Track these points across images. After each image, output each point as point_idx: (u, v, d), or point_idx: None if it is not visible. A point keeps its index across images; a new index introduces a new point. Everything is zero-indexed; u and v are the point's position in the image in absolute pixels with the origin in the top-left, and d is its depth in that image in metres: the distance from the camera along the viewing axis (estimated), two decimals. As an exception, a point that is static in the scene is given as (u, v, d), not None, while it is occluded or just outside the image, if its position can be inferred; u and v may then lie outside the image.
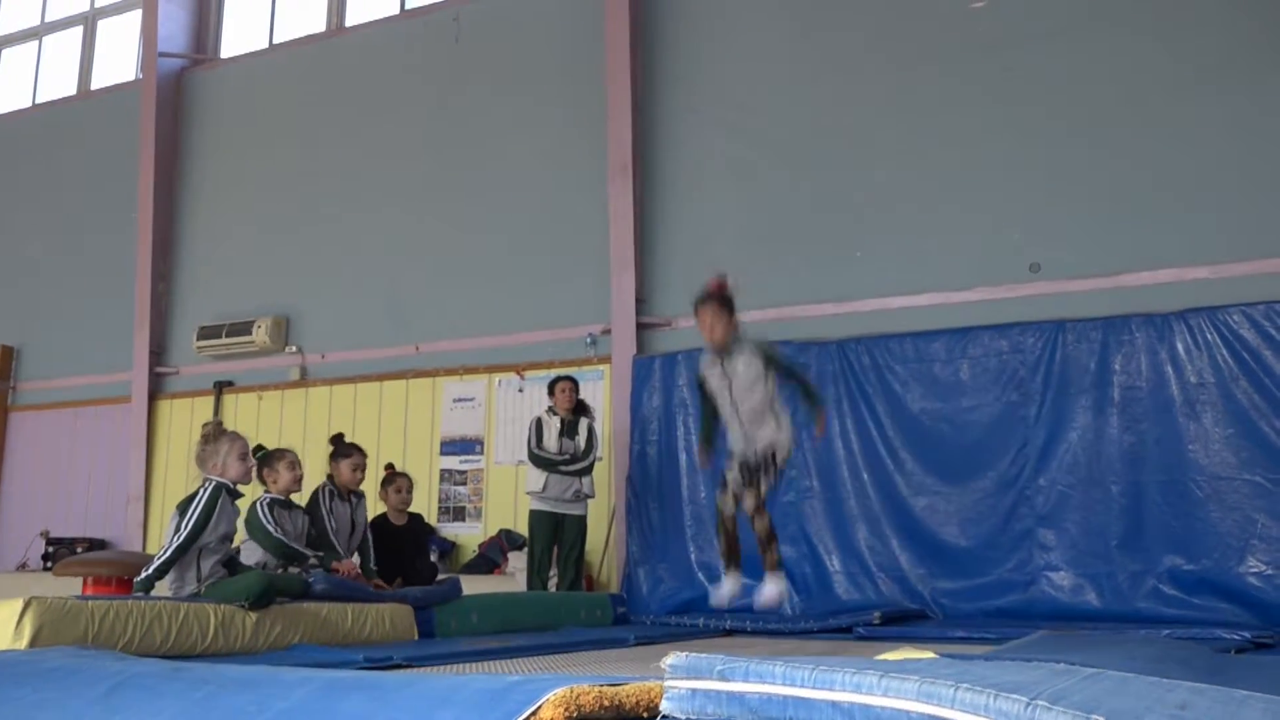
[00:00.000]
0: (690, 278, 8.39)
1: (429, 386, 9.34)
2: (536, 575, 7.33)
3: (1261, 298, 6.52)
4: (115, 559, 7.51)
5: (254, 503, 5.34)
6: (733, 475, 4.41)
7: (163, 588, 4.71)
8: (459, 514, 9.03)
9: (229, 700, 2.00)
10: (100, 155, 11.75)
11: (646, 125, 8.78)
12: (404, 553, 6.36)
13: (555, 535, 7.36)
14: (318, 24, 10.97)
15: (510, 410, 8.89)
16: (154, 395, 10.75)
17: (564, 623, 6.20)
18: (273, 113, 10.89)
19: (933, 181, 7.76)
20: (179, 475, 9.65)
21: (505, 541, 8.51)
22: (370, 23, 10.59)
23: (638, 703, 1.73)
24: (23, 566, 10.69)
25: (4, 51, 13.40)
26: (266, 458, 5.43)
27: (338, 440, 6.14)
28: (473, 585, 6.56)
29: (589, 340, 8.65)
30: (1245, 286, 6.64)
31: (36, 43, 13.11)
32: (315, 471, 6.00)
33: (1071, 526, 6.71)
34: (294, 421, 9.84)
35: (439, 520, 8.96)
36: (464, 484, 9.06)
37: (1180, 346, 6.64)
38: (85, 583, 6.64)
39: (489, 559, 8.47)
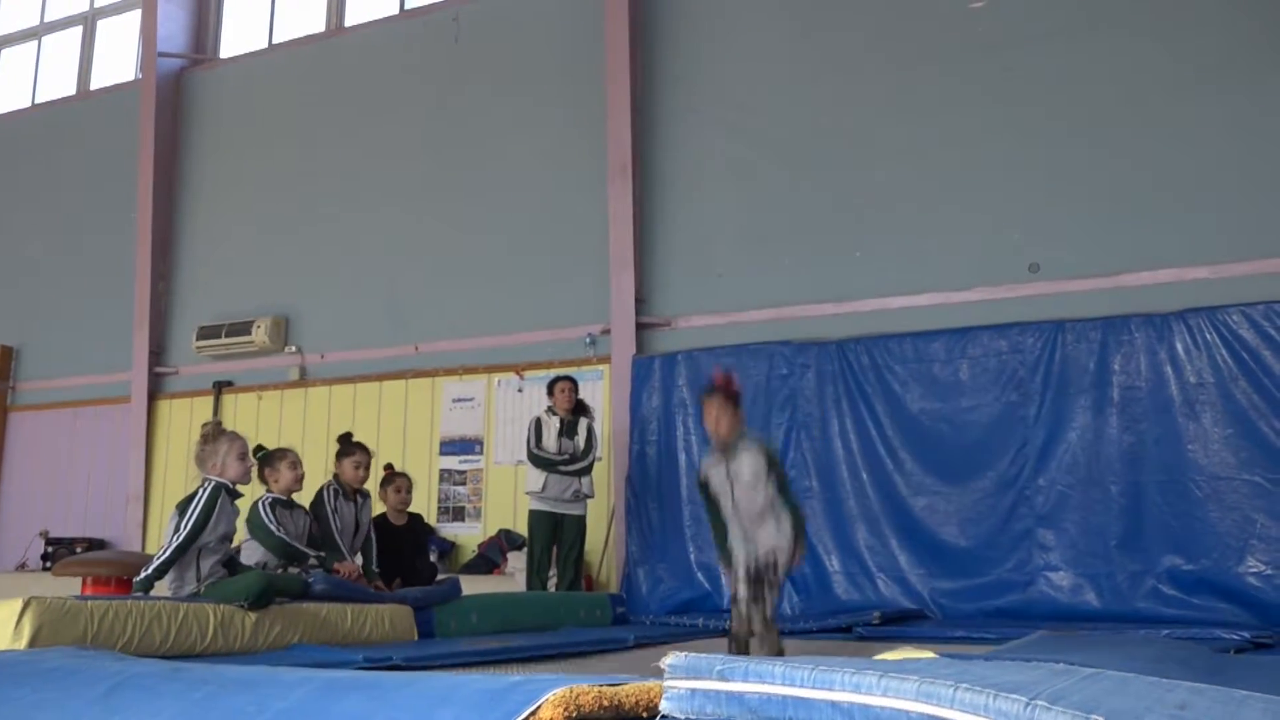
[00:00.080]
0: (690, 278, 8.44)
1: (428, 386, 9.34)
2: (536, 575, 7.33)
3: (1261, 298, 6.52)
4: (114, 559, 7.51)
5: (255, 502, 5.34)
6: (743, 592, 4.34)
7: (162, 588, 4.71)
8: (458, 514, 9.03)
9: (228, 700, 2.00)
10: (100, 155, 11.75)
11: (646, 125, 8.78)
12: (403, 553, 6.36)
13: (555, 535, 7.35)
14: (317, 24, 10.97)
15: (510, 410, 8.89)
16: (153, 395, 10.75)
17: (563, 623, 6.20)
18: (272, 113, 10.89)
19: (933, 181, 7.76)
20: (178, 475, 9.66)
21: (505, 541, 8.51)
22: (370, 23, 10.59)
23: (637, 703, 1.73)
24: (22, 566, 10.69)
25: (3, 51, 13.40)
26: (267, 457, 5.43)
27: (343, 439, 6.15)
28: (472, 585, 6.56)
29: (588, 340, 8.65)
30: (1245, 286, 6.64)
31: (36, 43, 13.12)
32: (315, 471, 6.01)
33: (1071, 526, 6.71)
34: (293, 421, 9.84)
35: (438, 520, 8.96)
36: (463, 484, 9.06)
37: (1180, 346, 6.64)
38: (84, 583, 6.64)
39: (488, 559, 8.47)
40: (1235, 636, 5.53)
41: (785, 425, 7.66)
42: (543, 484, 7.30)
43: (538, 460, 7.32)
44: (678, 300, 8.48)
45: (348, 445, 6.08)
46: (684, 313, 8.43)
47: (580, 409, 7.56)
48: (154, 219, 10.86)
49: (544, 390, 7.71)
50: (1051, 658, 3.19)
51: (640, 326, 8.43)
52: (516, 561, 8.11)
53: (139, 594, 4.57)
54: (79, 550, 9.77)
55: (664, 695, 1.65)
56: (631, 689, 1.75)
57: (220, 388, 10.41)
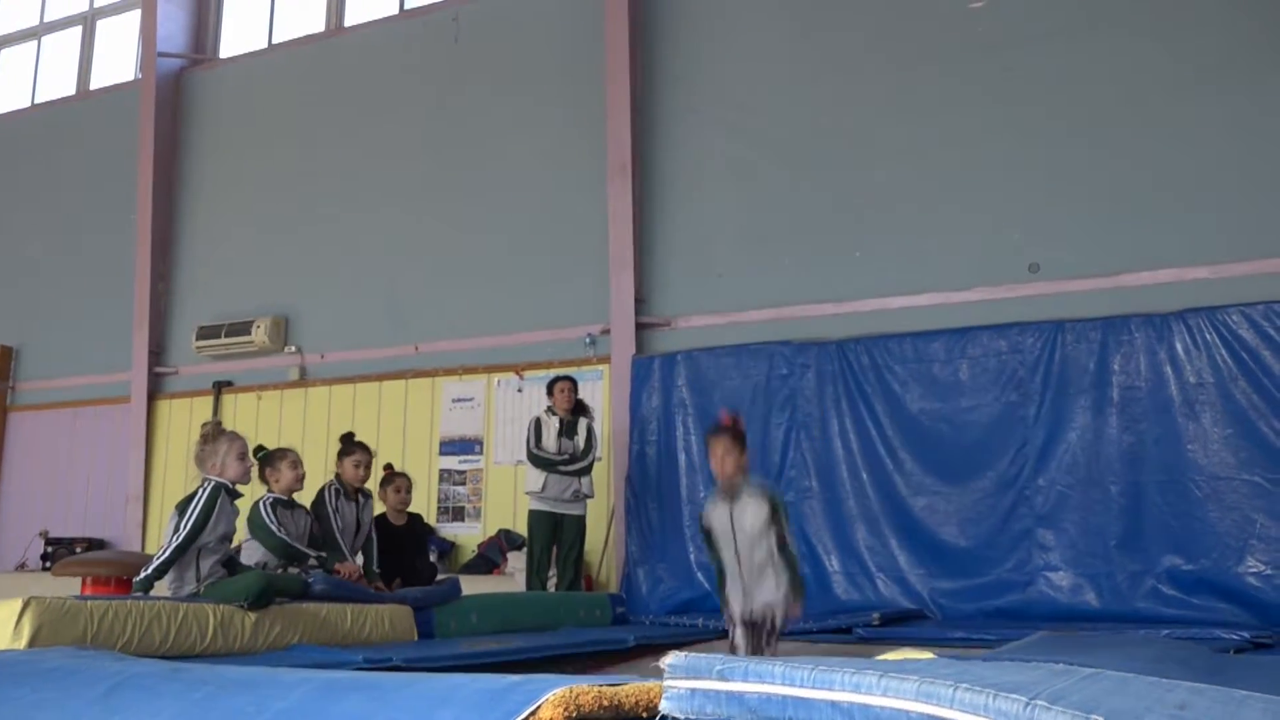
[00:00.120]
0: (690, 277, 8.44)
1: (428, 386, 9.34)
2: (536, 575, 7.33)
3: (1261, 298, 6.52)
4: (114, 559, 7.51)
5: (257, 502, 5.34)
6: (740, 640, 4.34)
7: (162, 588, 4.70)
8: (458, 514, 9.03)
9: (228, 700, 2.00)
10: (99, 155, 11.75)
11: (646, 125, 8.78)
12: (403, 553, 6.35)
13: (554, 535, 7.35)
14: (317, 24, 10.97)
15: (509, 410, 8.89)
16: (153, 395, 10.74)
17: (563, 623, 6.20)
18: (272, 113, 10.89)
19: (933, 181, 7.76)
20: (178, 475, 9.65)
21: (504, 541, 8.51)
22: (369, 23, 10.58)
23: (637, 703, 1.73)
24: (22, 566, 10.69)
25: (3, 51, 13.40)
26: (268, 457, 5.43)
27: (345, 438, 6.15)
28: (472, 585, 6.56)
29: (588, 340, 8.64)
30: (1244, 286, 6.64)
31: (35, 43, 13.11)
32: (315, 471, 6.01)
33: (1070, 526, 6.71)
34: (293, 421, 9.84)
35: (438, 520, 8.96)
36: (463, 484, 9.06)
37: (1179, 346, 6.64)
38: (84, 583, 6.64)
39: (488, 559, 8.47)
40: (1235, 636, 5.54)
41: (785, 425, 7.66)
42: (542, 484, 7.30)
43: (537, 460, 7.32)
44: (677, 300, 8.48)
45: (349, 445, 6.09)
46: (684, 313, 8.43)
47: (580, 409, 7.56)
48: (154, 219, 10.86)
49: (544, 390, 7.71)
50: (1051, 658, 3.19)
51: (640, 326, 8.43)
52: (516, 561, 8.11)
53: (139, 594, 4.57)
54: (79, 550, 9.76)
55: (664, 695, 1.65)
56: (631, 689, 1.75)
57: (220, 388, 10.41)
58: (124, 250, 11.06)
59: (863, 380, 7.49)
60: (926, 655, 2.60)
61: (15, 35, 13.28)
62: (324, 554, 5.49)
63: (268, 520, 5.24)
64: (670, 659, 1.67)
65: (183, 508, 4.70)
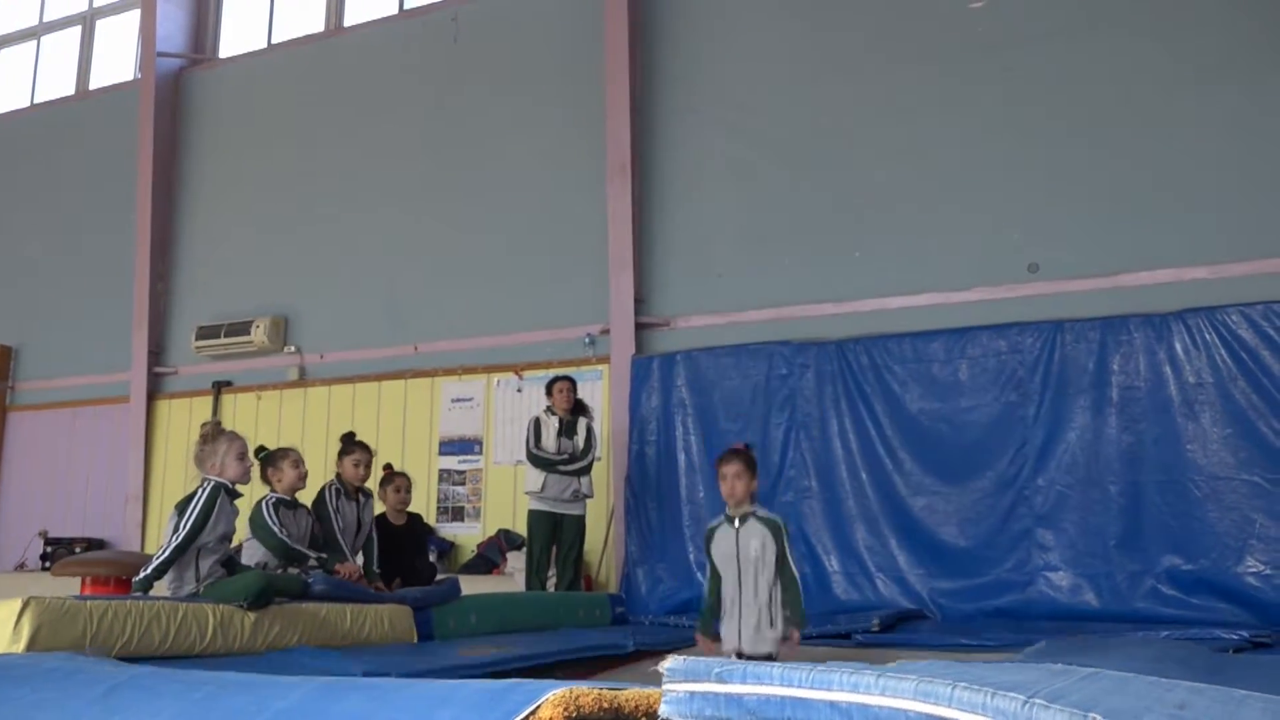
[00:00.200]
0: (689, 277, 8.44)
1: (427, 386, 9.34)
2: (535, 575, 7.33)
3: (1260, 298, 6.52)
4: (114, 559, 7.51)
5: (259, 502, 5.34)
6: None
7: (161, 588, 4.70)
8: (458, 514, 9.03)
9: (228, 700, 2.00)
10: (99, 155, 11.75)
11: (645, 125, 8.78)
12: (403, 553, 6.35)
13: (554, 535, 7.35)
14: (316, 24, 10.97)
15: (509, 410, 8.89)
16: (152, 395, 10.74)
17: (563, 623, 6.19)
18: (271, 113, 10.88)
19: (933, 181, 7.76)
20: (177, 475, 9.65)
21: (504, 541, 8.51)
22: (369, 23, 10.59)
23: (636, 705, 1.73)
24: (21, 566, 10.69)
25: (2, 51, 13.40)
26: (270, 457, 5.43)
27: (345, 438, 6.16)
28: (471, 585, 6.55)
29: (587, 340, 8.65)
30: (1244, 286, 6.65)
31: (35, 43, 13.11)
32: (314, 471, 6.00)
33: (1070, 526, 6.71)
34: (292, 421, 9.84)
35: (438, 520, 8.96)
36: (463, 484, 9.06)
37: (1179, 346, 6.65)
38: (83, 583, 6.63)
39: (488, 559, 8.47)
40: (1234, 636, 5.54)
41: (784, 425, 7.66)
42: (542, 484, 7.30)
43: (537, 460, 7.32)
44: (677, 300, 8.48)
45: (349, 444, 6.09)
46: (683, 313, 8.43)
47: (579, 409, 7.56)
48: (153, 219, 10.86)
49: (543, 390, 7.71)
50: (1050, 658, 3.19)
51: (639, 326, 8.43)
52: (516, 561, 8.11)
53: (138, 594, 4.56)
54: (78, 550, 9.76)
55: (663, 698, 1.65)
56: (631, 692, 1.75)
57: (219, 388, 10.41)
58: (124, 250, 11.06)
59: (862, 380, 7.49)
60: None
61: (14, 35, 13.27)
62: (324, 554, 5.49)
63: (269, 521, 5.24)
64: (669, 662, 1.67)
65: (182, 508, 4.69)
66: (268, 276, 10.40)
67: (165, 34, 11.35)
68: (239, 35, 11.57)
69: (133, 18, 12.19)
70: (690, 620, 6.81)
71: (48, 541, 10.47)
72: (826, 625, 6.44)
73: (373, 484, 6.40)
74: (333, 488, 5.90)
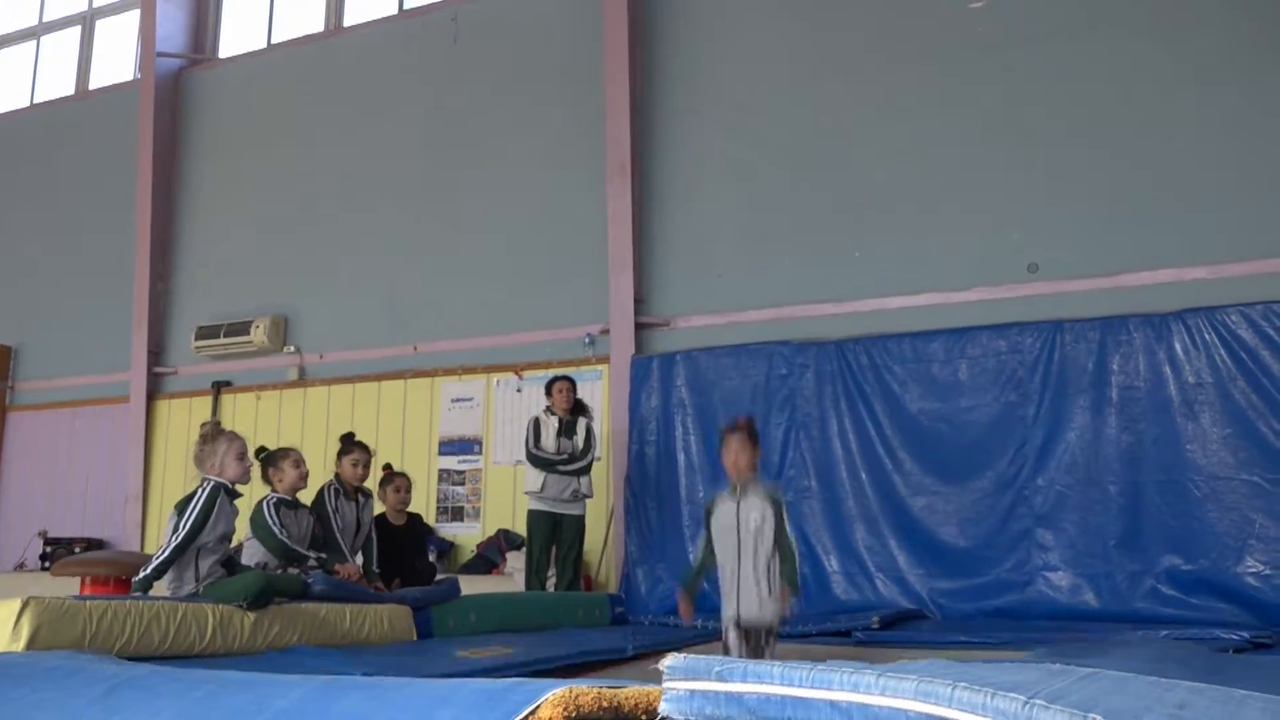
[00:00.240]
0: (689, 277, 8.44)
1: (427, 386, 9.34)
2: (535, 575, 7.32)
3: (1260, 298, 6.52)
4: (113, 559, 7.50)
5: (260, 502, 5.34)
6: (734, 647, 4.38)
7: (161, 588, 4.70)
8: (457, 514, 9.03)
9: (228, 700, 2.00)
10: (98, 155, 11.75)
11: (645, 125, 8.78)
12: (403, 553, 6.36)
13: (553, 535, 7.35)
14: (316, 24, 10.97)
15: (508, 410, 8.89)
16: (152, 395, 10.74)
17: (562, 623, 6.19)
18: (271, 113, 10.88)
19: (933, 181, 7.76)
20: (177, 475, 9.66)
21: (503, 541, 8.51)
22: (368, 23, 10.58)
23: (636, 704, 1.73)
24: (20, 566, 10.68)
25: (2, 51, 13.39)
26: (271, 457, 5.44)
27: (344, 438, 6.16)
28: (471, 585, 6.55)
29: (587, 340, 8.64)
30: (1243, 287, 6.65)
31: (34, 43, 13.11)
32: (314, 471, 5.99)
33: (1070, 526, 6.71)
34: (292, 421, 9.83)
35: (437, 520, 8.96)
36: (462, 484, 9.06)
37: (1178, 346, 6.64)
38: (83, 582, 6.63)
39: (487, 559, 8.47)
40: (1234, 636, 5.54)
41: (784, 425, 7.66)
42: (541, 484, 7.30)
43: (536, 460, 7.32)
44: (677, 300, 8.48)
45: (347, 444, 6.10)
46: (683, 313, 8.43)
47: (579, 409, 7.56)
48: (153, 219, 10.86)
49: (542, 390, 7.70)
50: (1049, 658, 3.19)
51: (639, 326, 8.43)
52: (515, 561, 8.11)
53: (137, 594, 4.56)
54: (77, 550, 9.76)
55: (663, 696, 1.65)
56: (631, 691, 1.75)
57: (219, 388, 10.41)
58: (123, 250, 11.06)
59: (862, 380, 7.49)
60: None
61: (14, 35, 13.27)
62: (324, 555, 5.49)
63: (270, 522, 5.24)
64: (669, 660, 1.67)
65: (182, 508, 4.70)
66: (267, 276, 10.40)
67: (165, 34, 11.35)
68: (239, 35, 11.57)
69: (132, 18, 12.18)
70: (690, 620, 6.83)
71: (47, 541, 10.47)
72: (826, 624, 6.45)
73: (372, 484, 6.41)
74: (331, 488, 5.90)
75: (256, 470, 5.27)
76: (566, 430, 7.40)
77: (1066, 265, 7.24)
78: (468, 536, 8.90)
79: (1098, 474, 6.71)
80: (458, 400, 9.18)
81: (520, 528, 8.14)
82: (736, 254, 8.31)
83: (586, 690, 1.71)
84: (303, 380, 10.01)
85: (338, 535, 5.74)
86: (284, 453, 5.49)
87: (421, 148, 9.81)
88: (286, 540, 5.26)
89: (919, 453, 7.24)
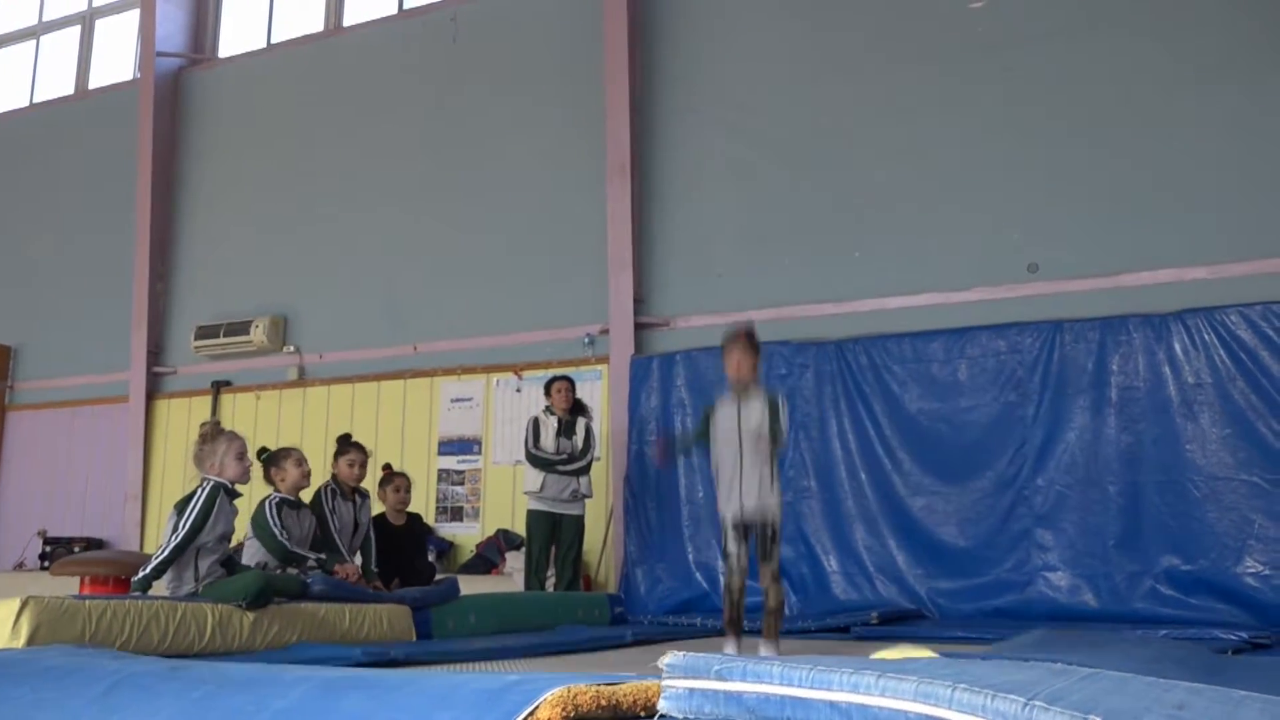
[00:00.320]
0: (689, 277, 8.44)
1: (427, 386, 9.34)
2: (534, 575, 7.33)
3: (1259, 298, 6.52)
4: (113, 558, 7.50)
5: (262, 502, 5.34)
6: (734, 547, 4.45)
7: (160, 587, 4.70)
8: (457, 514, 9.03)
9: (227, 700, 2.00)
10: (98, 155, 11.74)
11: (645, 125, 8.78)
12: (402, 553, 6.36)
13: (553, 535, 7.35)
14: (315, 24, 10.97)
15: (508, 410, 8.89)
16: (152, 395, 10.74)
17: (561, 623, 6.19)
18: (270, 113, 10.88)
19: (933, 181, 7.76)
20: (177, 475, 9.65)
21: (503, 541, 8.51)
22: (368, 23, 10.58)
23: (635, 702, 1.73)
24: (20, 566, 10.68)
25: (2, 51, 13.39)
26: (272, 457, 5.44)
27: (341, 439, 6.17)
28: (470, 585, 6.55)
29: (587, 340, 8.64)
30: (1243, 287, 6.65)
31: (34, 42, 13.10)
32: (314, 471, 6.00)
33: (1069, 527, 6.71)
34: (292, 421, 9.83)
35: (437, 520, 8.96)
36: (462, 484, 9.05)
37: (1178, 347, 6.64)
38: (82, 582, 6.62)
39: (487, 559, 8.47)
40: (1233, 637, 5.54)
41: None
42: (541, 484, 7.30)
43: (536, 460, 7.32)
44: (676, 300, 8.48)
45: (344, 445, 6.11)
46: (683, 313, 8.43)
47: (578, 409, 7.56)
48: (152, 219, 10.86)
49: (542, 390, 7.70)
50: (1049, 657, 3.19)
51: (639, 326, 8.43)
52: (515, 561, 8.11)
53: (137, 593, 4.57)
54: (77, 550, 9.76)
55: (662, 694, 1.65)
56: (629, 688, 1.74)
57: (218, 387, 10.41)
58: (123, 250, 11.06)
59: (861, 380, 7.49)
60: (925, 653, 2.60)
61: (13, 35, 13.27)
62: (324, 556, 5.49)
63: (271, 522, 5.25)
64: (668, 658, 1.67)
65: (181, 507, 4.70)
66: (267, 276, 10.40)
67: (165, 34, 11.34)
68: (238, 35, 11.57)
69: (132, 17, 12.18)
70: (689, 620, 6.85)
71: (47, 541, 10.47)
72: (826, 620, 6.45)
73: (372, 484, 6.41)
74: (329, 488, 5.91)
75: (257, 470, 5.28)
76: (566, 430, 7.40)
77: (1066, 265, 7.24)
78: (467, 536, 8.90)
79: (1097, 474, 6.71)
80: (457, 400, 9.18)
81: (519, 528, 8.14)
82: (736, 254, 8.31)
83: (585, 689, 1.70)
84: (302, 380, 10.01)
85: (335, 535, 5.74)
86: (286, 452, 5.50)
87: (421, 148, 9.81)
88: (286, 542, 5.27)
89: (918, 453, 7.24)
